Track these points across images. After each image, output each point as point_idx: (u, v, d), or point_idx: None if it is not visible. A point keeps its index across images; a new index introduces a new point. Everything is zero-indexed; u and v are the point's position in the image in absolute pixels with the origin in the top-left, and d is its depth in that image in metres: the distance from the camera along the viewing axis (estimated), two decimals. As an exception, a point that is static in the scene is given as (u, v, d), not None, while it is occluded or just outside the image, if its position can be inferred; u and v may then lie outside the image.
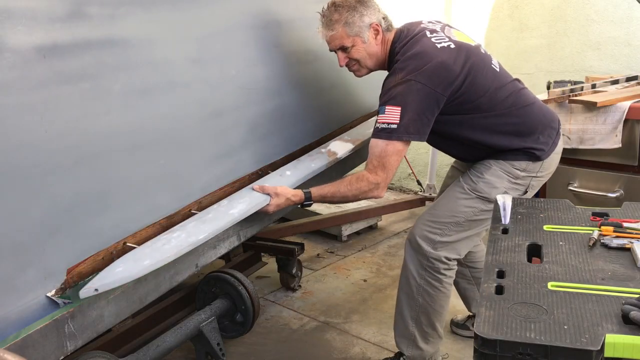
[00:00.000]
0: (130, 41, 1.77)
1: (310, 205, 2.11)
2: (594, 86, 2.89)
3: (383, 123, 2.00)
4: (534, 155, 2.12)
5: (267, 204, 2.00)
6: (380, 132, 2.01)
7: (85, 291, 1.49)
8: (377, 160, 2.03)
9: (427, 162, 4.32)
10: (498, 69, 2.16)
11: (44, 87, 1.51)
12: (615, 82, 2.96)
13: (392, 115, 1.98)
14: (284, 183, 2.08)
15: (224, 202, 1.95)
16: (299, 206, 2.12)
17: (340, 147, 2.37)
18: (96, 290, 1.49)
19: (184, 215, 1.84)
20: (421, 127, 2.01)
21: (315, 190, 2.08)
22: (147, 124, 1.78)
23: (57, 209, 1.50)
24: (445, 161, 4.39)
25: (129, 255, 1.61)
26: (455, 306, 2.86)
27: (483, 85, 2.07)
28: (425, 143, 2.16)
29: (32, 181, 1.45)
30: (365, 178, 2.04)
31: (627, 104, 2.59)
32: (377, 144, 2.03)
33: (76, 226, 1.53)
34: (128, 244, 1.67)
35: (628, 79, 3.00)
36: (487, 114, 2.08)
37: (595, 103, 2.61)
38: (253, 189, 2.02)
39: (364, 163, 2.18)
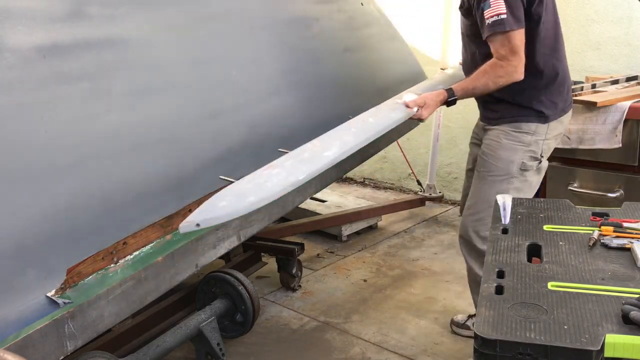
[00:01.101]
0: (130, 41, 1.77)
1: (455, 102, 2.16)
2: (594, 86, 2.89)
3: (493, 16, 2.01)
4: (543, 116, 2.17)
5: (418, 111, 2.09)
6: (495, 26, 2.02)
7: (186, 225, 1.37)
8: (504, 49, 2.03)
9: (427, 162, 4.31)
10: (559, 18, 2.25)
11: (44, 87, 1.51)
12: (615, 82, 2.96)
13: (498, 6, 2.00)
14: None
15: (357, 120, 2.01)
16: (446, 105, 2.17)
17: None
18: (198, 225, 1.37)
19: (184, 215, 1.83)
20: (522, 16, 2.03)
21: (456, 87, 2.13)
22: (147, 124, 1.78)
23: (57, 209, 1.50)
24: (446, 161, 4.39)
25: (229, 190, 1.50)
26: (455, 306, 2.86)
27: (553, 17, 2.16)
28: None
29: (32, 181, 1.45)
30: (499, 64, 2.05)
31: (627, 104, 2.59)
32: (495, 38, 2.04)
33: (76, 226, 1.53)
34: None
35: (628, 79, 3.00)
36: (543, 49, 2.14)
37: (595, 103, 2.61)
38: (401, 103, 2.10)
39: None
